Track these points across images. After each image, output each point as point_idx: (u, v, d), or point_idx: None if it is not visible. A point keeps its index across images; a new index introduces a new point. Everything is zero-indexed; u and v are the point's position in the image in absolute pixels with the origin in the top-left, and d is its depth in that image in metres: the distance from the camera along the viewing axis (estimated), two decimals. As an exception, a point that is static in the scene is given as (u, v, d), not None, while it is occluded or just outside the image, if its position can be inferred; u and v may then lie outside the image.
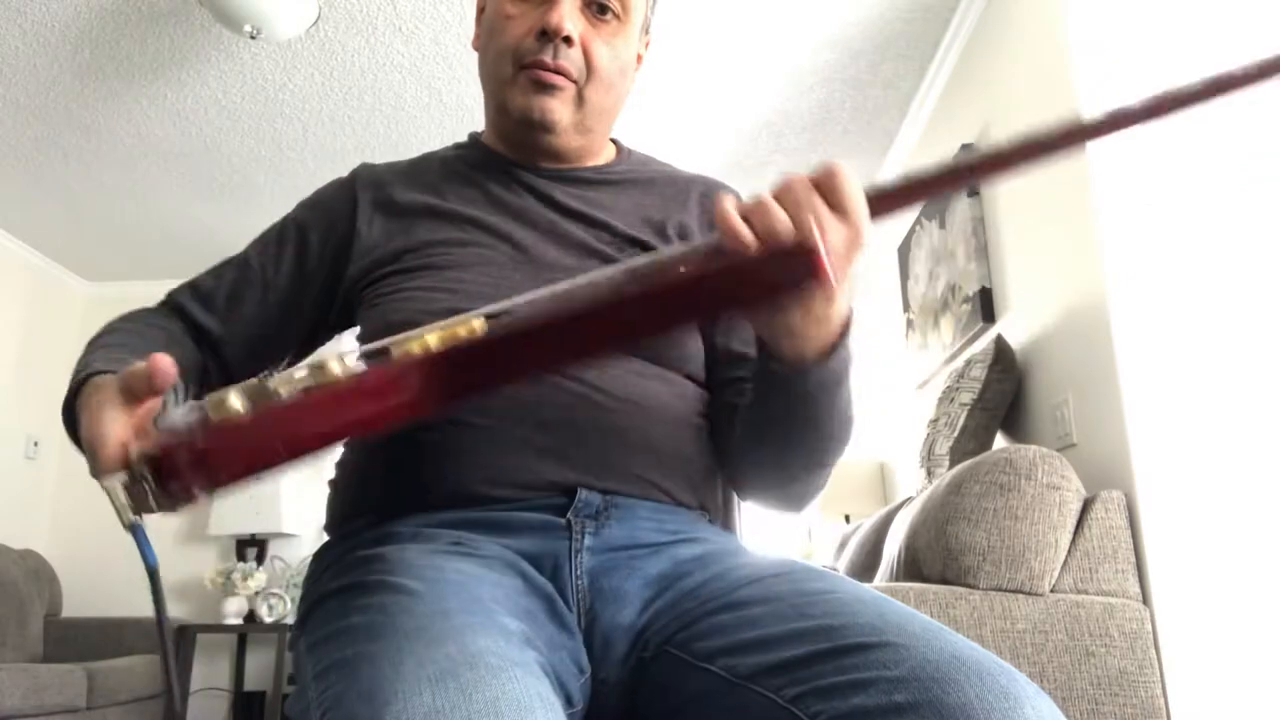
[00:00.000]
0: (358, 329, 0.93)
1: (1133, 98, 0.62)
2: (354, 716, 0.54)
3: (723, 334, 0.93)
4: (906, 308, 3.44)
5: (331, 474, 0.90)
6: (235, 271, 0.97)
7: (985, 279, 2.57)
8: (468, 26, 2.76)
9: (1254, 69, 0.63)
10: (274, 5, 2.54)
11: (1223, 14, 1.92)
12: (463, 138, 1.04)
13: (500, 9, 0.93)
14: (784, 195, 0.61)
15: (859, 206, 0.62)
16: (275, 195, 3.86)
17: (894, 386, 3.75)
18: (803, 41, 2.87)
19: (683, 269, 0.60)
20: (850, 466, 3.93)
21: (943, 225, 2.93)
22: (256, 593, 4.15)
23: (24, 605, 3.77)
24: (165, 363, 0.58)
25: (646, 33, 1.01)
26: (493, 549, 0.76)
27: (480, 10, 0.99)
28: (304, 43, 2.85)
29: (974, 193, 2.65)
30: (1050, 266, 2.17)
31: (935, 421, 2.43)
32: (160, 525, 4.13)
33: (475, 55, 0.99)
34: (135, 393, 0.60)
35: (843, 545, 2.99)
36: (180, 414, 0.57)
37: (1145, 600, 1.67)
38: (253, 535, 4.34)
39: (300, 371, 0.56)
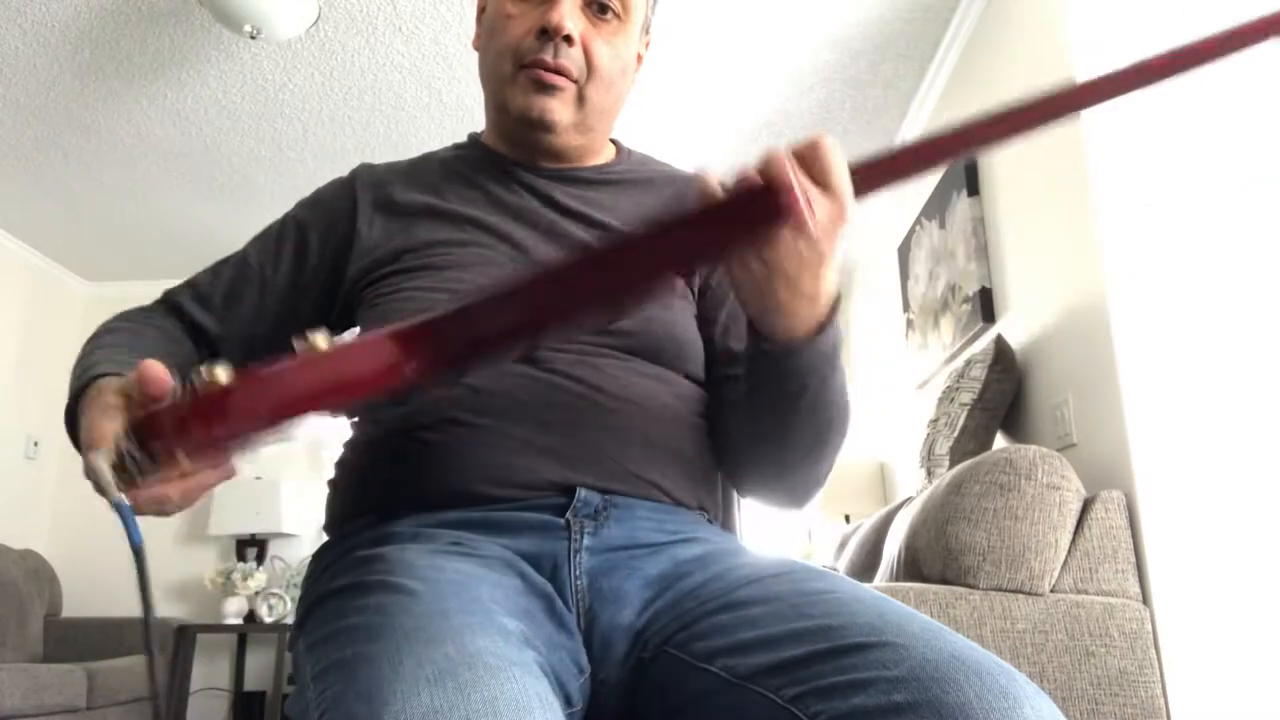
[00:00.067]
0: (358, 330, 0.93)
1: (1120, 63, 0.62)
2: (353, 716, 0.54)
3: (721, 333, 0.93)
4: (906, 308, 3.44)
5: (331, 474, 0.90)
6: (233, 270, 0.97)
7: (985, 279, 2.57)
8: (468, 26, 2.76)
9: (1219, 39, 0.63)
10: (274, 5, 2.54)
11: (1223, 14, 1.92)
12: (463, 138, 1.04)
13: (501, 8, 0.93)
14: (762, 161, 0.61)
15: (842, 178, 0.62)
16: (275, 195, 3.86)
17: (894, 386, 3.75)
18: (803, 41, 2.87)
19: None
20: (850, 466, 3.93)
21: (943, 225, 2.93)
22: (256, 593, 4.15)
23: (24, 605, 3.77)
24: (156, 371, 0.58)
25: (647, 32, 1.01)
26: (492, 549, 0.76)
27: (480, 10, 1.00)
28: (304, 43, 2.85)
29: (974, 192, 2.65)
30: (1050, 266, 2.17)
31: (935, 421, 2.43)
32: (160, 525, 4.13)
33: (475, 55, 0.99)
34: (134, 399, 0.60)
35: (843, 545, 2.99)
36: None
37: (1145, 600, 1.67)
38: (253, 535, 4.34)
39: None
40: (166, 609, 4.37)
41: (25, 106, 3.20)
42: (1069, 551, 1.67)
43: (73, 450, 0.68)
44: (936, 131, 0.63)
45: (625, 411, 0.83)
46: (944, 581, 1.69)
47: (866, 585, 0.74)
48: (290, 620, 3.34)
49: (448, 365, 0.61)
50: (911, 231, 3.33)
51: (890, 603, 0.66)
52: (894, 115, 3.28)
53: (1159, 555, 1.70)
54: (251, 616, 4.14)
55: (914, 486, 2.81)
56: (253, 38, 2.61)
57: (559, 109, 0.91)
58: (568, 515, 0.78)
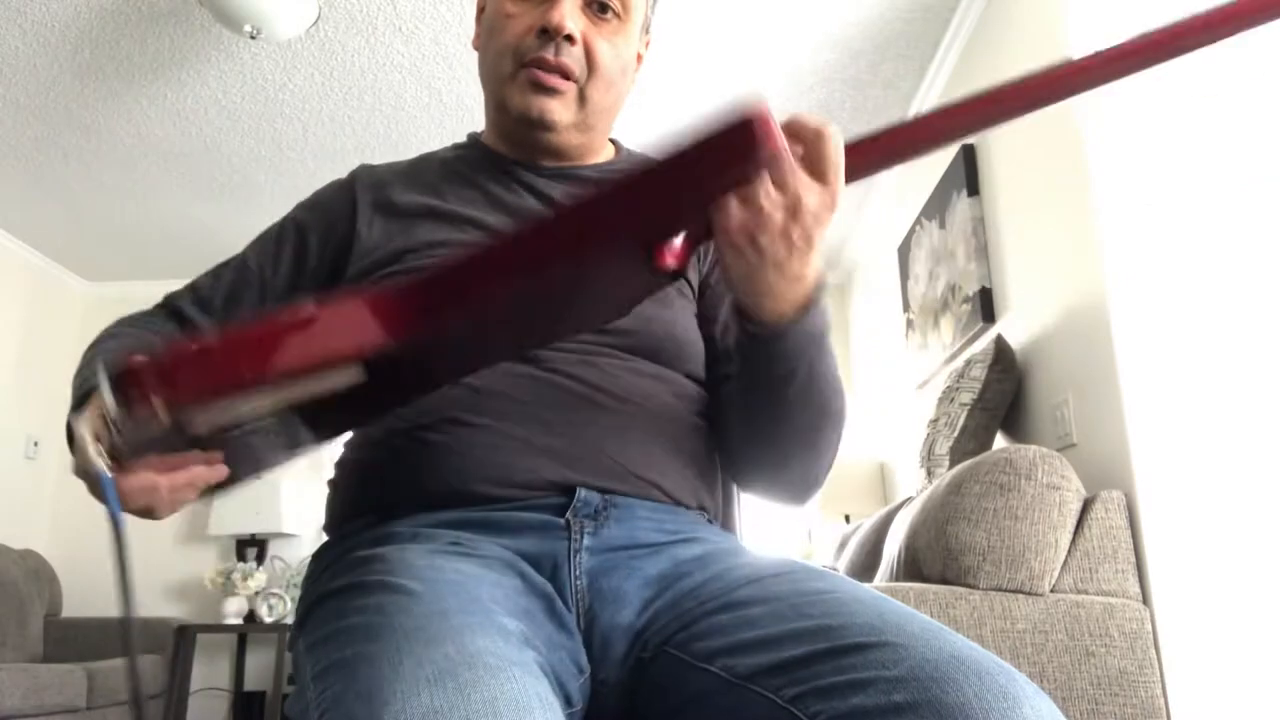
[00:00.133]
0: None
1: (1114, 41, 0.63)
2: (353, 716, 0.54)
3: (722, 331, 0.93)
4: (906, 308, 3.44)
5: (331, 474, 0.90)
6: (233, 273, 0.97)
7: (985, 279, 2.57)
8: (468, 26, 2.76)
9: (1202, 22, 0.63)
10: (274, 5, 2.54)
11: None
12: (462, 138, 1.05)
13: (501, 8, 0.93)
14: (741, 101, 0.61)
15: (838, 171, 0.63)
16: (275, 195, 3.86)
17: (894, 386, 3.75)
18: (803, 41, 2.87)
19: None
20: (850, 466, 3.93)
21: (943, 225, 2.93)
22: (256, 593, 4.15)
23: (24, 605, 3.77)
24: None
25: (647, 32, 1.01)
26: (492, 549, 0.76)
27: (480, 9, 1.00)
28: (304, 43, 2.85)
29: (974, 192, 2.65)
30: (1050, 266, 2.17)
31: (935, 421, 2.43)
32: (160, 526, 4.13)
33: (475, 55, 0.99)
34: None
35: (843, 545, 2.99)
36: None
37: (1145, 600, 1.67)
38: (253, 535, 4.34)
39: None
40: (166, 609, 4.38)
41: (25, 106, 3.20)
42: (1069, 551, 1.67)
43: (73, 452, 0.68)
44: (921, 113, 0.64)
45: (625, 411, 0.83)
46: (944, 581, 1.69)
47: (866, 585, 0.74)
48: (290, 620, 3.34)
49: (429, 327, 0.61)
50: (911, 231, 3.33)
51: (890, 603, 0.66)
52: (894, 115, 3.28)
53: (1159, 555, 1.70)
54: (251, 616, 4.14)
55: (914, 486, 2.81)
56: (253, 38, 2.61)
57: (559, 109, 0.91)
58: (568, 515, 0.78)
